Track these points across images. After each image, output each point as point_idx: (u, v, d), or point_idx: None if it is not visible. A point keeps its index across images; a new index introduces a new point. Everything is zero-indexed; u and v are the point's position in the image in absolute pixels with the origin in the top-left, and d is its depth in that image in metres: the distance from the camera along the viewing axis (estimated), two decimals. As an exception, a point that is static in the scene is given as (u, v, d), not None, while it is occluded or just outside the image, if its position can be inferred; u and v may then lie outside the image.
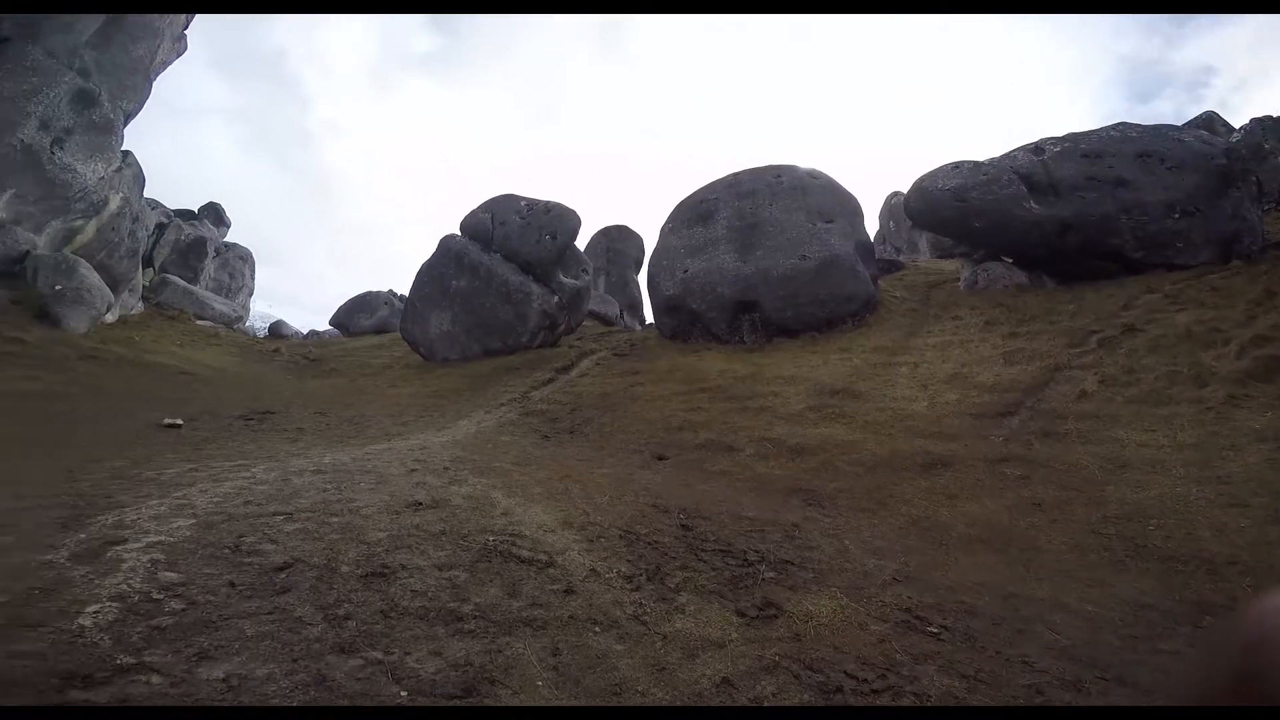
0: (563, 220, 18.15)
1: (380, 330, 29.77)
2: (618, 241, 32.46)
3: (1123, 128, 15.20)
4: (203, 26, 20.93)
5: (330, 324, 29.40)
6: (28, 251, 14.54)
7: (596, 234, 31.66)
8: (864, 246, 15.95)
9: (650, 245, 20.41)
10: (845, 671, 3.40)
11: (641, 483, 6.48)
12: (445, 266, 17.85)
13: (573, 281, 18.30)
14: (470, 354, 16.83)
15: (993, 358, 10.25)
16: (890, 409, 8.56)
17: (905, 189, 16.84)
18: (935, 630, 3.98)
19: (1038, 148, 15.34)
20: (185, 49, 21.13)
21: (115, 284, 18.37)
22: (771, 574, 4.65)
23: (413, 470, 5.69)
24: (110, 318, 16.47)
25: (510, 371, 14.63)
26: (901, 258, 24.89)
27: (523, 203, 18.95)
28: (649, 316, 28.14)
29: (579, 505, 5.47)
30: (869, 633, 3.92)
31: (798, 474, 6.69)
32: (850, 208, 16.82)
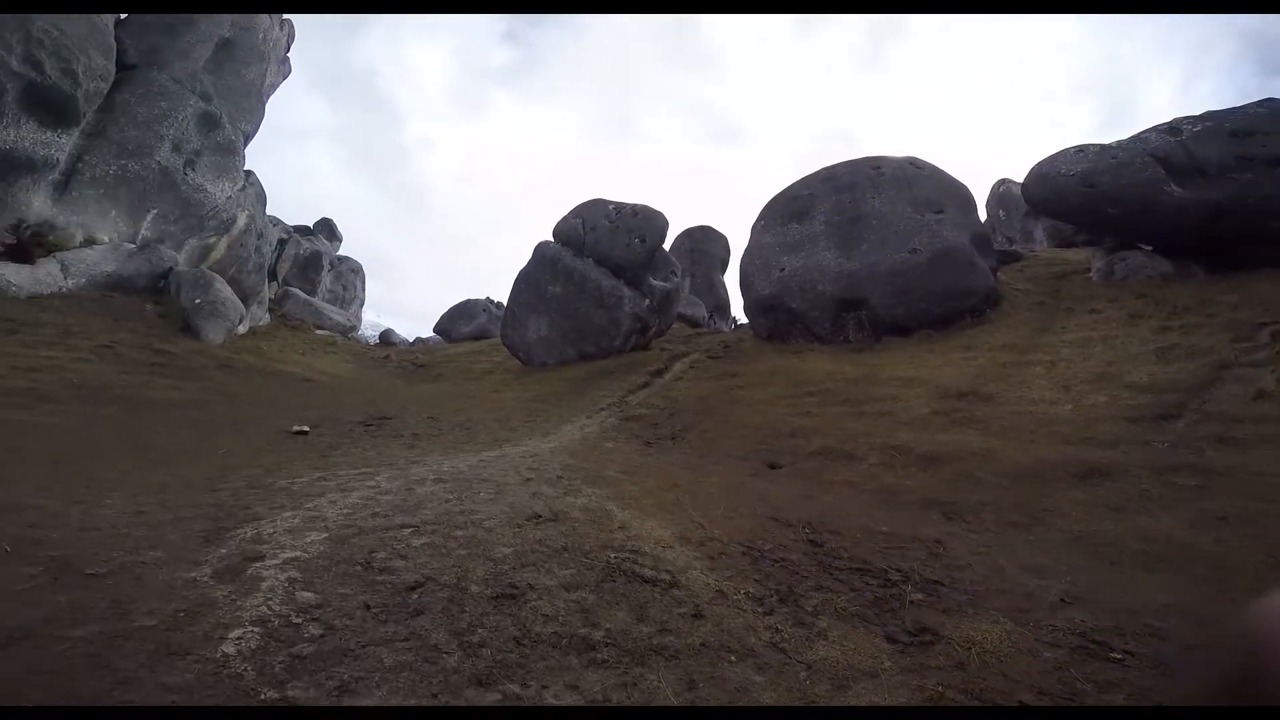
0: (650, 223, 18.00)
1: (479, 336, 30.90)
2: (701, 242, 32.03)
3: (1270, 104, 13.27)
4: (301, 48, 22.15)
5: (434, 331, 30.79)
6: (170, 268, 16.02)
7: (679, 235, 31.36)
8: (980, 237, 14.75)
9: (737, 246, 19.88)
10: (1021, 702, 2.93)
11: (756, 493, 6.11)
12: (541, 273, 18.13)
13: (662, 284, 18.11)
14: (566, 358, 16.98)
15: (1144, 355, 9.08)
16: (1028, 413, 7.71)
17: (1011, 178, 15.44)
18: (1119, 656, 3.40)
19: (1172, 128, 13.65)
20: (290, 71, 22.75)
21: (245, 297, 20.00)
22: (919, 595, 4.16)
23: (528, 480, 5.60)
24: (242, 329, 17.90)
25: (605, 375, 14.58)
26: (1017, 248, 22.99)
27: (610, 206, 18.97)
28: (740, 317, 27.59)
29: (693, 518, 5.17)
30: (1042, 660, 3.39)
31: (932, 485, 6.08)
32: (960, 196, 15.63)
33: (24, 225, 13.63)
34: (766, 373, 12.37)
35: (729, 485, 6.35)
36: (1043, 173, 14.60)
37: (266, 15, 19.85)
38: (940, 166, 16.63)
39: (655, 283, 17.73)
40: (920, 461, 6.58)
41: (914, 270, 13.39)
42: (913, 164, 16.55)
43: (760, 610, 3.93)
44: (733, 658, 3.40)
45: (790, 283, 15.66)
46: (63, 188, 14.52)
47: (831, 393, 9.57)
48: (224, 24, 18.53)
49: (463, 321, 31.78)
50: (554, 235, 19.33)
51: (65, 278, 13.89)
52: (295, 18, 22.22)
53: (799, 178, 19.03)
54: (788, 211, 17.52)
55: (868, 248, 14.58)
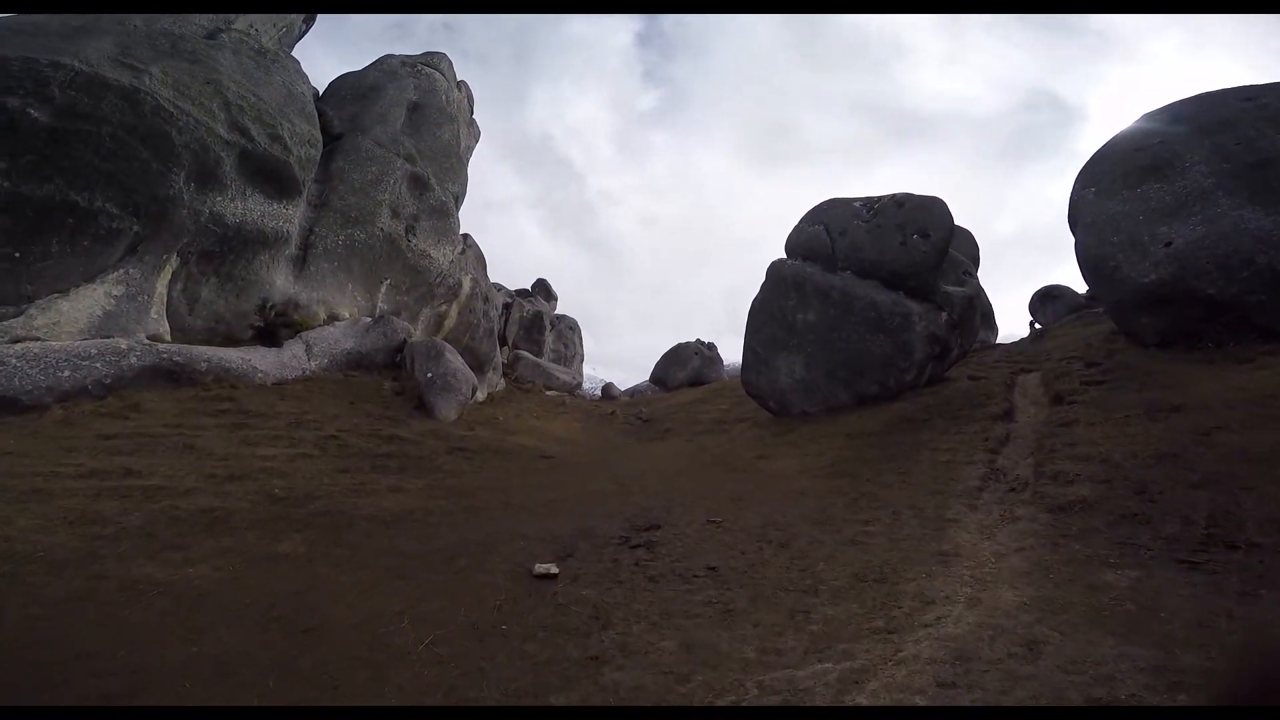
0: (930, 212, 13.27)
1: (695, 381, 27.97)
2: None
3: None
4: (485, 124, 21.44)
5: (650, 380, 28.72)
6: (404, 340, 14.99)
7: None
8: None
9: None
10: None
11: None
12: (783, 299, 14.26)
13: (959, 290, 13.18)
14: (835, 403, 12.77)
15: None
16: None
17: None
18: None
19: None
20: (479, 133, 22.00)
21: (481, 365, 18.99)
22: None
23: None
24: (481, 396, 16.53)
25: (914, 426, 10.11)
26: None
27: (856, 204, 14.58)
28: (1002, 327, 20.94)
29: None
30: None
31: None
32: None
33: (269, 305, 13.22)
34: (1240, 398, 7.13)
35: None
36: None
37: (443, 77, 19.24)
38: None
39: (950, 289, 12.89)
40: None
41: None
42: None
43: None
44: None
45: (1196, 260, 10.02)
46: (301, 263, 14.10)
47: None
48: (408, 87, 17.98)
49: (676, 368, 29.22)
50: (788, 251, 15.41)
51: (309, 359, 13.23)
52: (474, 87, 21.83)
53: (1120, 130, 13.17)
54: (1133, 167, 11.89)
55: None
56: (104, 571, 4.24)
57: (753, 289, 15.68)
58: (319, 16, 17.79)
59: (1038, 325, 21.75)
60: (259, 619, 3.85)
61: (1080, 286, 24.25)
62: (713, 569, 4.96)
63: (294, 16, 16.47)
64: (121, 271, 11.30)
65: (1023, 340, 20.50)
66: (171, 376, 11.11)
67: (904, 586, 4.36)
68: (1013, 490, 6.57)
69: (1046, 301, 22.87)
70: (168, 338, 12.06)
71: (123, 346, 10.86)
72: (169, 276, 12.04)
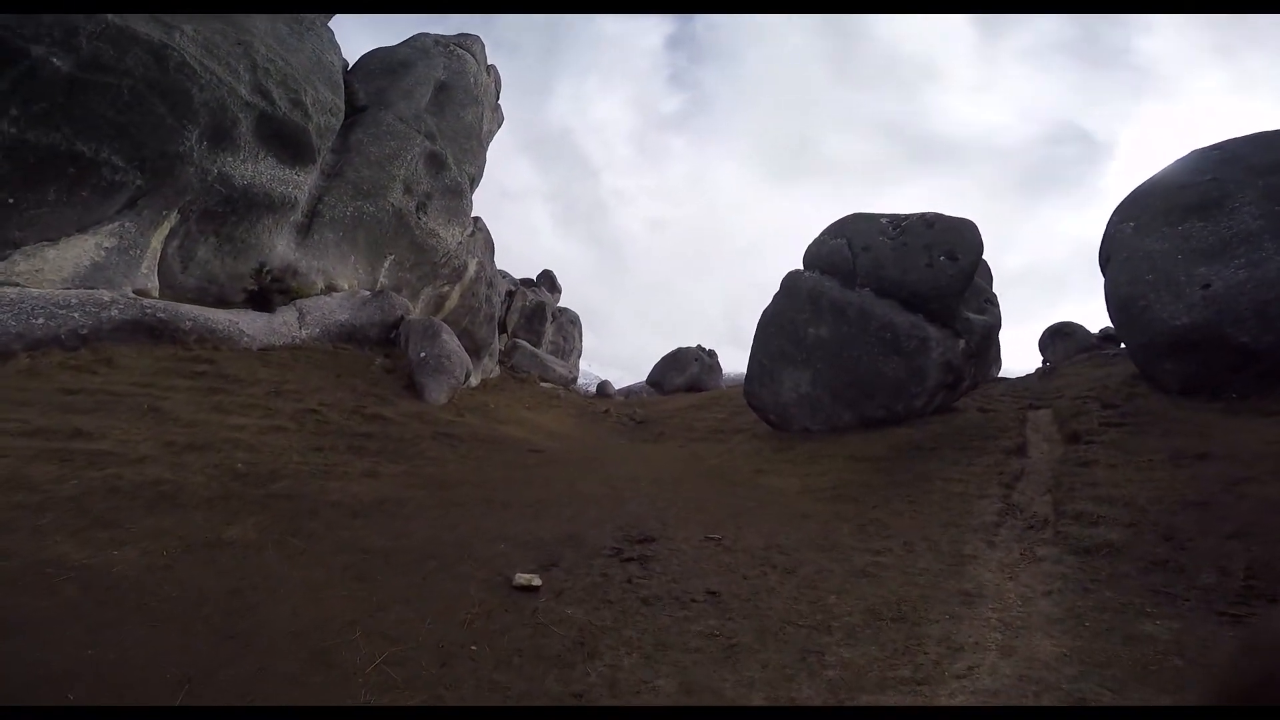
0: (960, 235, 12.74)
1: (692, 387, 27.46)
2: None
3: None
4: (509, 113, 20.87)
5: (648, 382, 28.18)
6: (402, 316, 14.43)
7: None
8: None
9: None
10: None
11: None
12: (796, 312, 13.71)
13: (980, 318, 12.65)
14: (839, 423, 12.23)
15: None
16: None
17: None
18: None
19: None
20: (503, 119, 21.46)
21: (478, 349, 18.44)
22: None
23: None
24: (474, 381, 15.98)
25: (921, 453, 9.58)
26: None
27: (884, 220, 14.04)
28: (1005, 362, 20.32)
29: None
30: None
31: None
32: None
33: (266, 269, 12.66)
34: (1270, 450, 6.63)
35: None
36: None
37: (474, 60, 18.68)
38: None
39: (971, 316, 12.37)
40: None
41: None
42: None
43: None
44: None
45: (1234, 305, 9.49)
46: (305, 230, 13.54)
47: None
48: (438, 66, 17.44)
49: (674, 373, 28.69)
50: (807, 263, 14.85)
51: (300, 327, 12.67)
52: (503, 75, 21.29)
53: (1163, 166, 12.63)
54: (1177, 204, 11.33)
55: None
56: (10, 548, 3.67)
57: (756, 301, 15.19)
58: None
59: (1048, 362, 21.22)
60: (182, 618, 3.29)
61: (1094, 325, 23.75)
62: (713, 594, 4.41)
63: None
64: (116, 224, 10.75)
65: (1030, 376, 19.98)
66: (152, 333, 10.54)
67: (927, 629, 3.83)
68: (1031, 528, 6.04)
69: (1057, 339, 22.36)
70: (155, 294, 11.50)
71: (105, 298, 10.30)
72: (166, 233, 11.49)
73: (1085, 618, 3.87)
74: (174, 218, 11.26)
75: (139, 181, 10.36)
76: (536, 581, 4.23)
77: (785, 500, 7.68)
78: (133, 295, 10.77)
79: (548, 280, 31.62)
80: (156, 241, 11.21)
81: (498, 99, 21.26)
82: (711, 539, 5.80)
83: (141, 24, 9.89)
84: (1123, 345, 14.86)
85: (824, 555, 5.43)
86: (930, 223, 13.15)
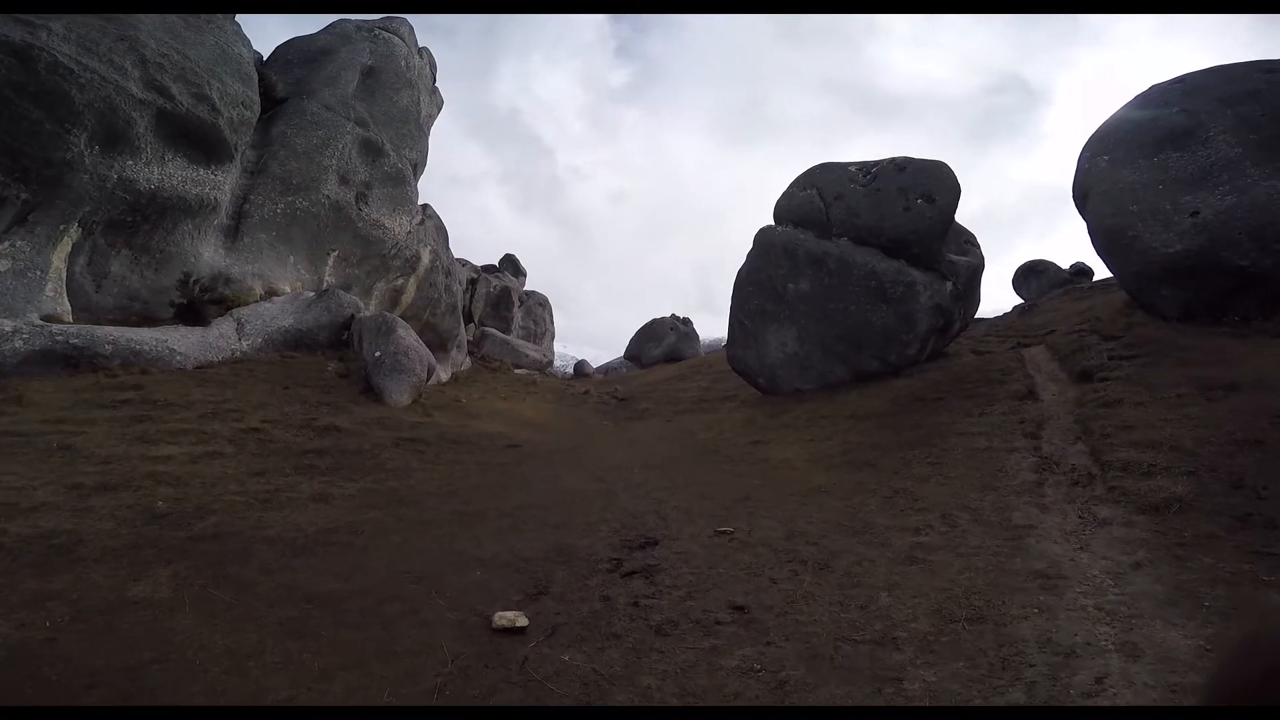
0: (935, 176, 12.03)
1: (671, 357, 26.70)
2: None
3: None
4: (450, 98, 19.38)
5: (625, 356, 27.30)
6: (352, 315, 13.22)
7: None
8: None
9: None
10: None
11: None
12: (773, 268, 12.91)
13: (963, 259, 12.02)
14: (832, 379, 11.56)
15: None
16: None
17: None
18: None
19: None
20: (442, 102, 19.94)
21: (444, 342, 17.26)
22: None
23: None
24: (443, 377, 14.90)
25: (926, 405, 8.93)
26: None
27: (852, 168, 13.26)
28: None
29: None
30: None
31: None
32: None
33: (193, 279, 11.34)
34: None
35: None
36: None
37: (402, 43, 17.12)
38: None
39: (954, 258, 11.72)
40: None
41: None
42: None
43: None
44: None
45: (1227, 231, 9.03)
46: (233, 233, 12.20)
47: None
48: (363, 51, 15.90)
49: (651, 344, 27.85)
50: (777, 217, 14.03)
51: (240, 339, 11.42)
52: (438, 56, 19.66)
53: (1123, 103, 12.10)
54: (1149, 137, 10.88)
55: None
56: None
57: (724, 266, 14.40)
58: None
59: (1025, 300, 20.93)
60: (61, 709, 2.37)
61: (1059, 261, 23.53)
62: (740, 609, 3.61)
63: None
64: (6, 245, 9.40)
65: (1009, 314, 19.67)
66: (68, 362, 9.27)
67: (1015, 629, 3.09)
68: (1077, 484, 5.38)
69: (1030, 276, 22.11)
70: (68, 318, 10.16)
71: (6, 329, 8.98)
72: (69, 249, 10.11)
73: (1199, 595, 3.18)
74: (75, 231, 9.89)
75: (23, 195, 9.02)
76: (522, 621, 3.37)
77: (794, 474, 6.93)
78: (39, 322, 9.45)
79: (511, 264, 30.33)
80: (59, 260, 9.85)
81: (434, 82, 19.74)
82: (722, 533, 5.00)
83: (-1, 24, 8.44)
84: (1107, 276, 14.47)
85: (857, 540, 4.68)
86: (901, 166, 12.41)
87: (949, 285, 11.20)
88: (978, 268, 12.16)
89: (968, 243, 12.63)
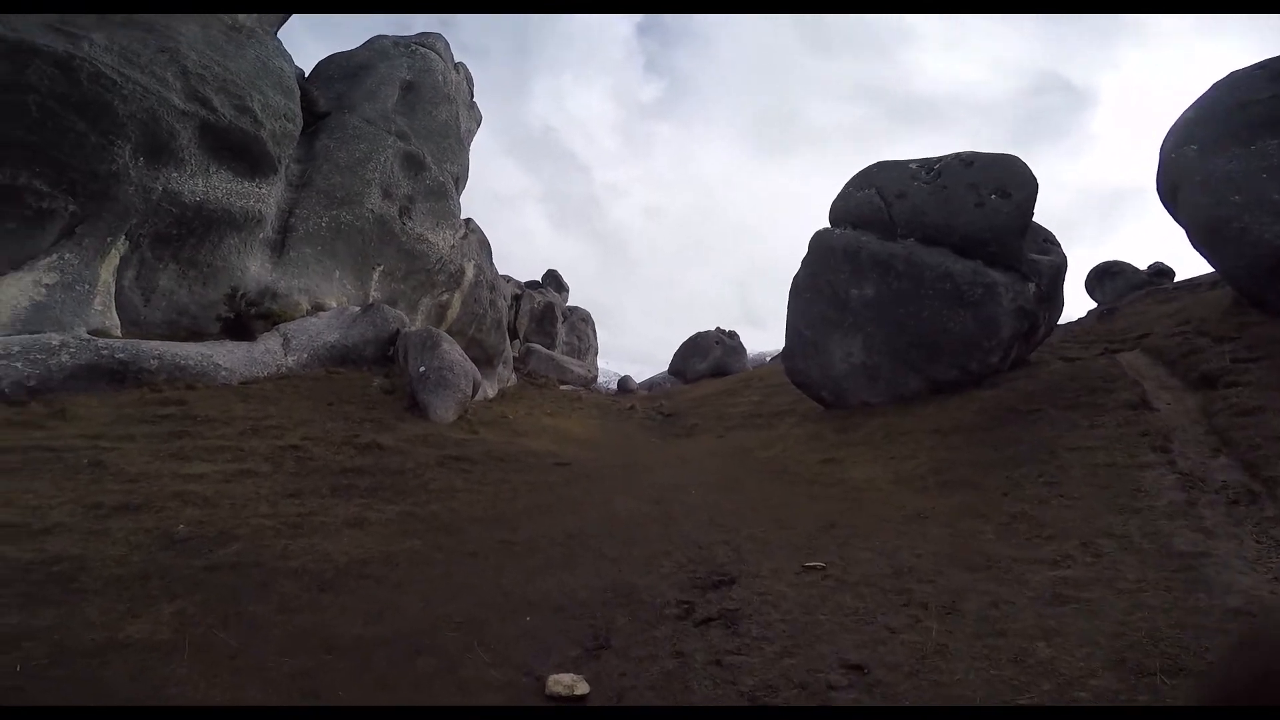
0: (1009, 169, 11.03)
1: (716, 372, 25.83)
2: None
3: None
4: (486, 118, 19.21)
5: (669, 372, 26.57)
6: (398, 330, 12.92)
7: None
8: None
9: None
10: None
11: None
12: (833, 273, 12.03)
13: (1045, 259, 10.92)
14: (905, 391, 10.56)
15: None
16: None
17: None
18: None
19: None
20: (480, 117, 19.80)
21: (490, 358, 16.91)
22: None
23: None
24: (490, 393, 14.49)
25: (1021, 418, 7.89)
26: None
27: (912, 165, 12.33)
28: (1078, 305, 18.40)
29: None
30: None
31: None
32: None
33: (240, 294, 11.21)
34: None
35: None
36: None
37: (439, 58, 17.02)
38: None
39: (1036, 258, 10.64)
40: None
41: None
42: None
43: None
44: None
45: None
46: (279, 247, 12.08)
47: None
48: (401, 66, 15.84)
49: (696, 359, 27.04)
50: (834, 220, 13.17)
51: (286, 354, 11.21)
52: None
53: (1206, 89, 10.92)
54: (1242, 124, 9.73)
55: None
56: None
57: (765, 277, 13.76)
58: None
59: (1101, 304, 19.34)
60: None
61: (1141, 262, 21.79)
62: (857, 668, 2.82)
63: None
64: (55, 257, 9.34)
65: (1086, 318, 18.15)
66: (114, 377, 9.11)
67: None
68: (1237, 504, 4.40)
69: (1105, 279, 20.48)
70: (116, 332, 10.08)
71: (53, 343, 8.87)
72: (116, 263, 10.05)
73: None
74: (122, 245, 9.83)
75: (71, 207, 8.95)
76: (582, 688, 2.66)
77: (882, 497, 6.06)
78: (87, 336, 9.35)
79: (553, 280, 30.10)
80: (107, 273, 9.79)
81: (471, 96, 19.69)
82: (812, 568, 4.20)
83: (39, 35, 8.44)
84: (1192, 276, 13.05)
85: (983, 577, 3.82)
86: (968, 161, 11.44)
87: (1032, 286, 10.13)
88: (1061, 267, 11.03)
89: (1047, 241, 11.52)
